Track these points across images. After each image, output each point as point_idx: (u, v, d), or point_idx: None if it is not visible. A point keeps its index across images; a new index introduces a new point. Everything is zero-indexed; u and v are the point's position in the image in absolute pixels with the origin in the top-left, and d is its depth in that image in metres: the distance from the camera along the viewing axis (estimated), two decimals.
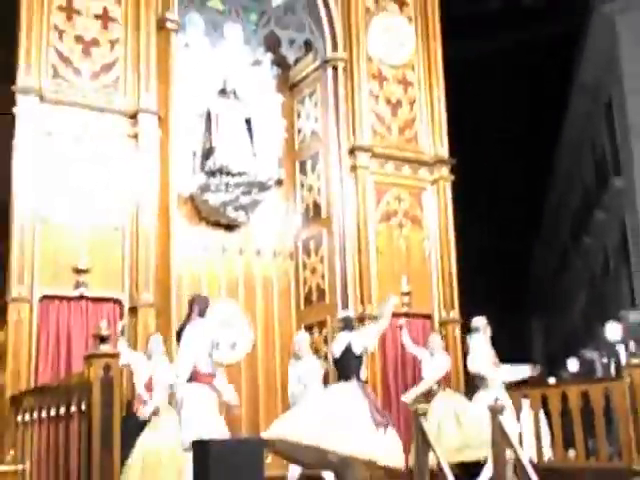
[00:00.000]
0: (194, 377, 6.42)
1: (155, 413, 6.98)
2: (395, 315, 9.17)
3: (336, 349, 7.03)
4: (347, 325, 7.19)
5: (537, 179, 26.67)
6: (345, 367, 6.88)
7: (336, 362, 7.06)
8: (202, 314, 6.70)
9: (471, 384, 8.89)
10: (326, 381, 8.70)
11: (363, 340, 6.98)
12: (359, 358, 6.91)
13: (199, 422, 6.16)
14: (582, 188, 23.02)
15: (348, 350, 6.89)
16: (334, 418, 6.32)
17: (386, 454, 6.29)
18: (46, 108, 7.95)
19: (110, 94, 8.36)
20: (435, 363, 8.62)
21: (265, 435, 6.53)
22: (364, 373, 7.17)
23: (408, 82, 10.31)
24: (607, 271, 21.41)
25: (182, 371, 6.43)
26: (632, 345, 8.20)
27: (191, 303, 6.88)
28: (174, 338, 7.73)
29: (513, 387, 8.27)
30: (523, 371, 8.30)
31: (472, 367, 8.15)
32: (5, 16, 8.37)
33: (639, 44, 17.49)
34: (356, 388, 6.67)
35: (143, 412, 6.99)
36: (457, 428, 8.00)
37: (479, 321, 8.31)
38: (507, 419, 6.80)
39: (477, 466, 7.72)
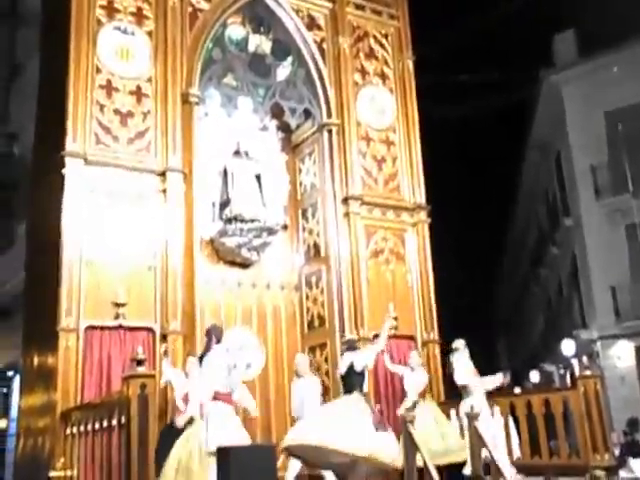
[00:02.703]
0: (215, 396, 6.34)
1: (190, 422, 6.88)
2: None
3: (342, 367, 7.01)
4: (350, 346, 7.20)
5: (499, 222, 26.80)
6: (349, 382, 6.84)
7: (342, 378, 7.04)
8: (219, 341, 6.65)
9: (451, 394, 8.82)
10: (325, 394, 8.67)
11: (363, 359, 6.95)
12: (361, 374, 6.87)
13: (222, 432, 6.08)
14: (538, 228, 23.11)
15: (351, 368, 6.87)
16: (338, 421, 6.25)
17: (386, 451, 6.18)
18: (90, 169, 7.98)
19: (143, 156, 8.40)
20: (416, 378, 8.57)
21: (283, 444, 6.43)
22: (366, 387, 7.10)
23: (390, 142, 10.37)
24: (561, 297, 21.40)
25: (206, 392, 6.35)
26: (585, 359, 8.15)
27: (209, 333, 6.84)
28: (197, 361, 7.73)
29: (487, 396, 8.19)
30: (498, 378, 8.20)
31: (459, 380, 8.04)
32: (55, 95, 8.47)
33: (581, 107, 17.76)
34: (359, 399, 6.61)
35: (179, 421, 6.90)
36: (439, 435, 7.91)
37: (459, 342, 8.27)
38: (485, 422, 6.73)
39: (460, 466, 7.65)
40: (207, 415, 6.30)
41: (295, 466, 7.33)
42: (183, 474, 6.48)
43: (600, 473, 6.01)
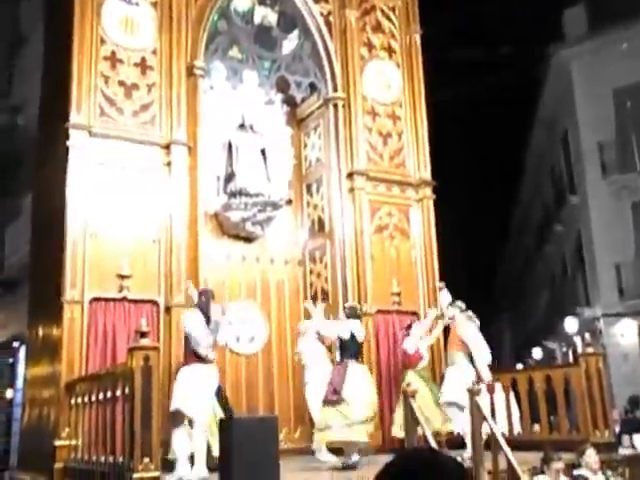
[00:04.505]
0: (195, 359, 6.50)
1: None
2: (389, 312, 9.24)
3: (344, 332, 7.26)
4: (353, 313, 7.35)
5: (505, 198, 26.70)
6: (352, 348, 7.26)
7: (343, 342, 7.32)
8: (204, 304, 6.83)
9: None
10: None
11: (361, 331, 7.35)
12: (361, 343, 7.33)
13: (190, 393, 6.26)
14: (543, 205, 23.01)
15: (353, 336, 7.20)
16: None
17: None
18: (94, 141, 7.95)
19: (147, 129, 8.36)
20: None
21: None
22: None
23: (396, 117, 10.29)
24: (565, 274, 21.37)
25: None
26: (587, 336, 8.16)
27: (205, 294, 7.04)
28: None
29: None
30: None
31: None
32: (59, 67, 8.41)
33: (589, 84, 17.55)
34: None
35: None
36: (435, 405, 7.90)
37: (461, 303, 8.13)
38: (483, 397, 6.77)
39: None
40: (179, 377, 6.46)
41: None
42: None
43: (590, 450, 6.04)
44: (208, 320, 6.72)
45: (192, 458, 6.43)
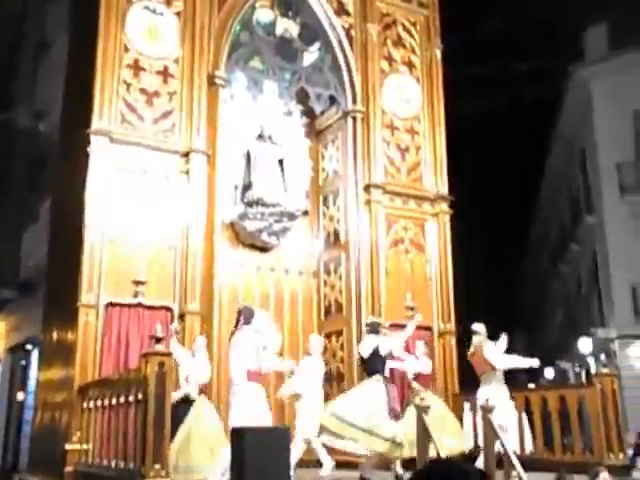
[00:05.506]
0: (248, 376, 6.39)
1: (185, 400, 6.89)
2: (402, 326, 9.16)
3: (364, 350, 7.08)
4: (373, 329, 7.26)
5: (522, 216, 26.59)
6: (372, 365, 6.98)
7: (364, 361, 7.15)
8: (246, 322, 6.68)
9: (466, 385, 8.74)
10: (339, 380, 8.71)
11: (389, 344, 7.09)
12: (384, 358, 7.03)
13: (248, 413, 6.14)
14: (560, 224, 22.88)
15: (376, 352, 6.99)
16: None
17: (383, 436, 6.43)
18: (114, 147, 8.03)
19: (167, 137, 8.43)
20: (418, 366, 8.44)
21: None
22: (387, 371, 7.20)
23: (415, 131, 10.31)
24: (580, 294, 21.19)
25: (238, 372, 6.39)
26: (603, 357, 8.07)
27: (240, 313, 6.85)
28: (215, 340, 7.81)
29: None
30: (531, 361, 7.87)
31: (498, 362, 7.63)
32: (83, 73, 8.51)
33: (609, 104, 17.49)
34: (378, 380, 6.82)
35: (173, 395, 6.88)
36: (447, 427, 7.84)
37: (479, 326, 8.02)
38: (502, 410, 6.70)
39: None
40: (235, 395, 6.36)
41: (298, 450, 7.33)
42: (184, 447, 6.54)
43: (604, 473, 5.95)
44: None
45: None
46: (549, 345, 25.80)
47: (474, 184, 20.84)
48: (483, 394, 7.26)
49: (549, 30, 19.63)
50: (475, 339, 7.79)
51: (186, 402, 6.89)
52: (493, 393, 7.17)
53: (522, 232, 27.98)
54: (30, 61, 15.49)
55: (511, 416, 7.23)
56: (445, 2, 11.01)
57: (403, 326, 9.03)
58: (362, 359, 7.16)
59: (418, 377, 8.32)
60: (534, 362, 7.56)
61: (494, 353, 7.53)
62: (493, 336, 7.94)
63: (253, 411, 6.14)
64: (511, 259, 28.76)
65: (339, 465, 7.50)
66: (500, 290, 28.74)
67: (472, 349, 7.80)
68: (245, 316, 6.69)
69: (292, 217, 9.69)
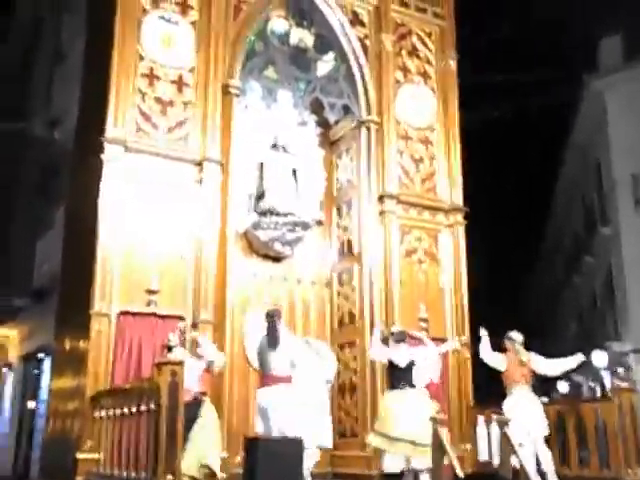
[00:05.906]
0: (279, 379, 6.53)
1: (194, 401, 6.81)
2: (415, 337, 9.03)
3: (401, 359, 7.09)
4: (401, 338, 7.22)
5: (535, 227, 26.43)
6: (408, 375, 7.03)
7: (399, 369, 7.12)
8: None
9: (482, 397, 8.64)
10: (352, 392, 8.60)
11: (423, 356, 7.28)
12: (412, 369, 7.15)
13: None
14: (574, 235, 22.71)
15: (412, 362, 7.06)
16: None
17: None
18: (128, 156, 8.03)
19: (181, 145, 8.43)
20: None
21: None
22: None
23: (429, 142, 10.27)
24: (594, 306, 21.00)
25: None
26: (621, 371, 7.95)
27: (272, 315, 6.90)
28: (228, 348, 7.78)
29: None
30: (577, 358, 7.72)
31: (548, 369, 7.63)
32: (98, 81, 8.55)
33: (624, 113, 17.38)
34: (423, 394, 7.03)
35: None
36: None
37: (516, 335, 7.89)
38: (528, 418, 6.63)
39: None
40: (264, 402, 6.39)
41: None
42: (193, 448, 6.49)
43: None
44: (276, 341, 6.73)
45: None
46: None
47: (487, 194, 20.73)
48: (515, 404, 7.09)
49: (564, 40, 19.57)
50: (511, 345, 7.57)
51: (195, 405, 6.82)
52: (525, 403, 7.06)
53: (537, 241, 27.81)
54: (46, 71, 15.61)
55: (543, 426, 7.07)
56: (461, 13, 10.99)
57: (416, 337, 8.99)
58: (398, 368, 7.10)
59: (429, 387, 8.22)
60: (580, 357, 7.43)
61: (543, 363, 7.41)
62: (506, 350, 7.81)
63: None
64: (523, 270, 28.57)
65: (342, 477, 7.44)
66: (511, 302, 28.51)
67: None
68: (278, 318, 6.67)
69: (306, 227, 9.66)
